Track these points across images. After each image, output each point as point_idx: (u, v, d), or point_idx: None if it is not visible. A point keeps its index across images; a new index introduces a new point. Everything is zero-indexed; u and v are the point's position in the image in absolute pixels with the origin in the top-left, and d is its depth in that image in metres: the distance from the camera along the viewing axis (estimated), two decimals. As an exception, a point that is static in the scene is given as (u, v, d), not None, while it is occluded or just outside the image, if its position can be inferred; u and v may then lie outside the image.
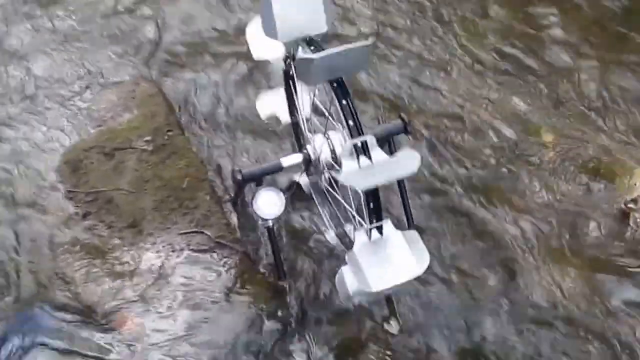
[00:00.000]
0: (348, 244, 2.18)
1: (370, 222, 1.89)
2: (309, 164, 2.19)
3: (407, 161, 1.85)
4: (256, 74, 2.96)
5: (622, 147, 2.69)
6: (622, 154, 2.67)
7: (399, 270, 1.85)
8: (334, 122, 2.09)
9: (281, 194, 2.11)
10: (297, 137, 2.51)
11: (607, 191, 2.57)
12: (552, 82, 2.93)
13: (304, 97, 2.27)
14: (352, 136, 1.87)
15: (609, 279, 2.34)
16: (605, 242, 2.43)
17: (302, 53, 1.87)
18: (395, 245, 1.89)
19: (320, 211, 2.42)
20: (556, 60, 3.01)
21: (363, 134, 1.88)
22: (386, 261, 1.86)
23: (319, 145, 2.12)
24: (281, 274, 2.32)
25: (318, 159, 2.14)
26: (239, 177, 2.13)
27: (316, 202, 2.43)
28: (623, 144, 2.71)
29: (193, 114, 2.88)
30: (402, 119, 2.24)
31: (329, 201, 2.35)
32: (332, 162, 2.11)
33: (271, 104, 2.45)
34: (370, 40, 1.85)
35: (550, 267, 2.39)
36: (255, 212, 2.11)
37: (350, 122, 1.87)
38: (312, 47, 1.93)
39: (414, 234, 1.92)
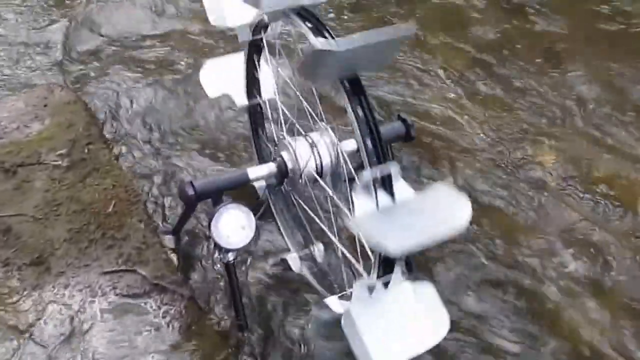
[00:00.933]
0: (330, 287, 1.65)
1: (379, 275, 1.37)
2: (284, 177, 1.63)
3: (448, 207, 1.30)
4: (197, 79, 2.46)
5: (633, 166, 2.28)
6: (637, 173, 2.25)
7: (410, 340, 1.34)
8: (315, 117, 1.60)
9: (250, 214, 1.54)
10: (254, 129, 1.96)
11: (629, 217, 2.10)
12: (547, 96, 2.53)
13: (269, 78, 1.79)
14: (369, 162, 1.33)
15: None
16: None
17: (314, 41, 1.32)
18: (405, 303, 1.37)
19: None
20: (550, 72, 2.62)
21: (386, 158, 1.34)
22: (393, 327, 1.35)
23: (301, 151, 1.58)
24: (243, 325, 1.73)
25: (298, 171, 1.59)
26: (191, 192, 1.55)
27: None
28: (633, 161, 2.29)
29: (121, 125, 2.37)
30: (404, 120, 1.73)
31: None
32: (316, 175, 1.58)
33: (221, 77, 1.90)
34: (412, 27, 1.29)
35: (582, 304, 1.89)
36: (215, 241, 1.53)
37: (369, 143, 1.33)
38: (307, 23, 1.40)
39: (427, 287, 1.40)
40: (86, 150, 2.20)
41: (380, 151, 1.34)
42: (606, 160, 2.29)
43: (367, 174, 1.32)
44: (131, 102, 2.46)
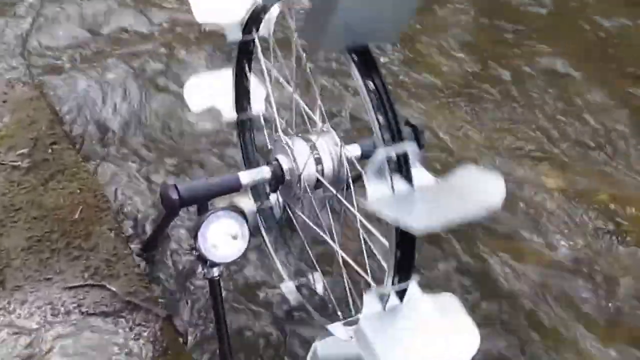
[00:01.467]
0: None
1: (393, 282, 1.18)
2: (280, 182, 1.44)
3: (477, 185, 1.13)
4: (174, 74, 2.38)
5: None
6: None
7: (432, 356, 1.15)
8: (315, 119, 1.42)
9: (243, 221, 1.34)
10: (243, 145, 1.77)
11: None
12: (549, 116, 2.39)
13: (258, 88, 1.62)
14: (384, 140, 1.14)
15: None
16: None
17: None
18: (424, 318, 1.19)
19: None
20: (552, 92, 2.49)
21: (401, 137, 1.15)
22: (412, 343, 1.15)
23: (300, 155, 1.39)
24: (226, 350, 1.52)
25: (296, 176, 1.40)
26: (175, 196, 1.34)
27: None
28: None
29: (89, 124, 2.17)
30: (413, 127, 1.54)
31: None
32: (316, 182, 1.39)
33: (207, 90, 1.69)
34: None
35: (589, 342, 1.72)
36: (202, 254, 1.32)
37: (381, 119, 1.14)
38: None
39: (450, 300, 1.22)
40: (50, 150, 2.00)
41: (394, 127, 1.14)
42: (610, 186, 2.16)
43: (381, 153, 1.12)
44: (106, 99, 2.27)
